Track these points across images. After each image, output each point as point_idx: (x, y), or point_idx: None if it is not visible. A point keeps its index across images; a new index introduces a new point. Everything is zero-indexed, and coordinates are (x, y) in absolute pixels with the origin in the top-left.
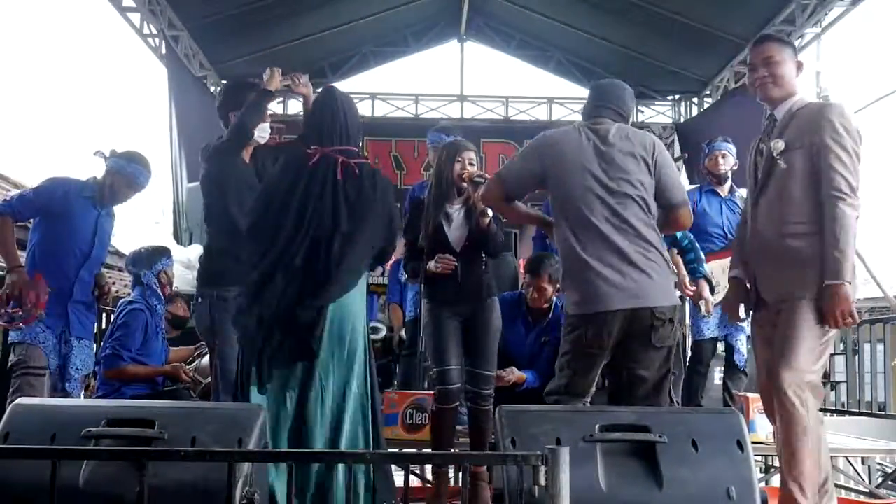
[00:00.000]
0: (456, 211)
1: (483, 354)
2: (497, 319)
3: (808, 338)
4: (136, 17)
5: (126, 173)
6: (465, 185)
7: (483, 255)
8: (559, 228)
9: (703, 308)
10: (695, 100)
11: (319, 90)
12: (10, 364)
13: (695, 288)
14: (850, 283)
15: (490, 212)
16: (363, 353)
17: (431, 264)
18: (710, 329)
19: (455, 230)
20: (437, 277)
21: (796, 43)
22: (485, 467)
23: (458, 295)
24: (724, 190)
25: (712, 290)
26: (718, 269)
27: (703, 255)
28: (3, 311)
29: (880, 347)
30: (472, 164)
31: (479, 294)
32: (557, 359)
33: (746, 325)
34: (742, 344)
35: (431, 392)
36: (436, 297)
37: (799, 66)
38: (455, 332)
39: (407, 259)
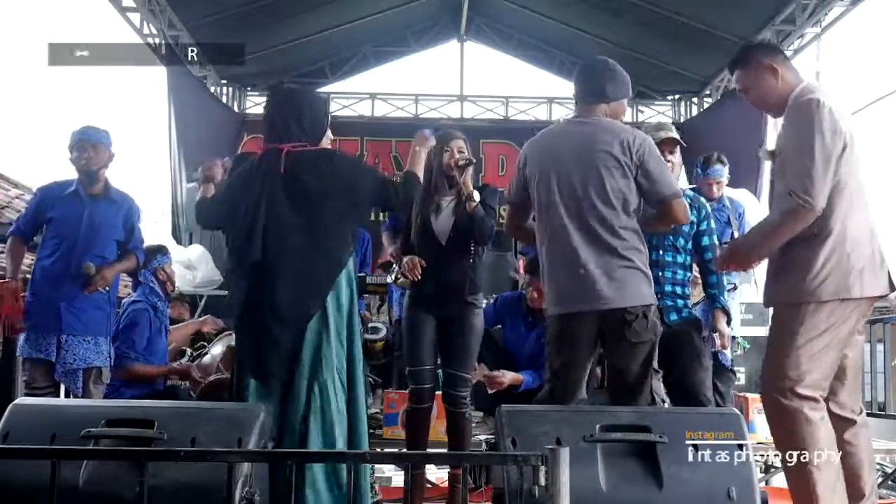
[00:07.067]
0: (447, 203)
1: (456, 355)
2: (479, 321)
3: None
4: (135, 17)
5: (71, 146)
6: (453, 173)
7: (471, 251)
8: (538, 231)
9: (717, 342)
10: (695, 100)
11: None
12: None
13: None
14: None
15: (477, 196)
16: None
17: (397, 270)
18: None
19: (441, 222)
20: (419, 273)
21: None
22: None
23: (439, 291)
24: (713, 200)
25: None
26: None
27: (725, 283)
28: None
29: (880, 347)
30: (461, 152)
31: (462, 291)
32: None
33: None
34: None
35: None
36: (416, 293)
37: (771, 70)
38: (430, 332)
39: (398, 257)
